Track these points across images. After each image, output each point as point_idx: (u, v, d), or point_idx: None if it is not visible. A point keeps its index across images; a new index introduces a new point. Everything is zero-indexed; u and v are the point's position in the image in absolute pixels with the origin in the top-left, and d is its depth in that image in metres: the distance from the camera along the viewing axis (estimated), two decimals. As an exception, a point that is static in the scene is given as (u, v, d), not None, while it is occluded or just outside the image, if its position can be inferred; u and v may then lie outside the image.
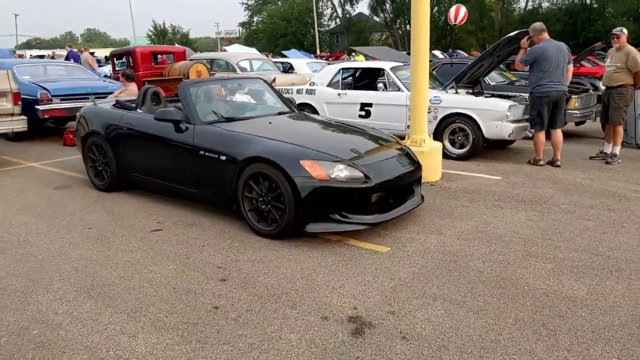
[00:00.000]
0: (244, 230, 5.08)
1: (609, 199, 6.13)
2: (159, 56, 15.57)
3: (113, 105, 6.88)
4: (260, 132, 5.29)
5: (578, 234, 4.97)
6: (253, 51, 29.27)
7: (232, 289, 3.86)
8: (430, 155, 6.95)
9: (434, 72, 10.64)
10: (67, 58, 19.88)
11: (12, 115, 8.50)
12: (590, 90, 10.50)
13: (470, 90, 9.14)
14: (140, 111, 6.46)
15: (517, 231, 5.08)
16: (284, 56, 28.97)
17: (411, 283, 3.95)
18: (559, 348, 3.06)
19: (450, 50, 26.41)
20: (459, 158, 8.30)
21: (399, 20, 59.00)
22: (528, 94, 7.99)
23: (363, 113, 9.30)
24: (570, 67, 7.80)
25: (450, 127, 8.39)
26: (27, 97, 9.71)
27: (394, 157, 5.39)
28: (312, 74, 13.10)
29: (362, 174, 4.78)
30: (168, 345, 3.12)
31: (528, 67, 7.79)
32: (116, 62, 17.08)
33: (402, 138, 7.11)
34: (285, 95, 7.52)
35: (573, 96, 9.50)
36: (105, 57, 26.29)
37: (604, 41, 14.63)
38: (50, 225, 5.41)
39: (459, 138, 8.38)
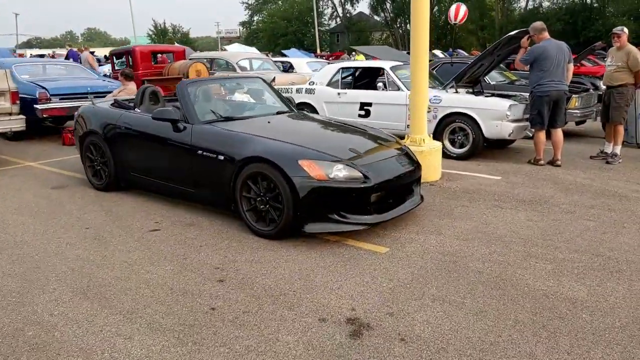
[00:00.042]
0: (242, 231, 5.05)
1: (609, 199, 6.10)
2: (159, 55, 15.53)
3: (111, 104, 6.85)
4: (258, 132, 5.25)
5: (578, 234, 4.94)
6: (253, 50, 29.25)
7: (229, 290, 3.83)
8: (430, 154, 6.92)
9: (434, 72, 10.60)
10: (67, 57, 19.86)
11: (10, 114, 8.47)
12: (591, 90, 10.48)
13: (470, 90, 9.11)
14: (138, 110, 6.43)
15: (517, 231, 5.04)
16: (284, 55, 28.92)
17: (410, 284, 3.92)
18: (559, 350, 3.03)
19: (451, 50, 26.38)
20: (459, 158, 8.27)
21: (399, 20, 58.97)
22: (528, 94, 7.96)
23: (363, 112, 9.27)
24: (571, 67, 7.77)
25: (450, 126, 8.36)
26: (26, 96, 9.69)
27: (393, 156, 5.36)
28: (312, 74, 13.07)
29: (361, 174, 4.75)
30: (164, 347, 3.09)
31: (528, 66, 7.77)
32: (116, 61, 17.04)
33: (402, 137, 7.08)
34: (285, 95, 7.49)
35: (573, 95, 9.47)
36: (105, 56, 26.25)
37: (605, 40, 14.61)
38: (48, 225, 5.38)
39: (459, 137, 8.34)
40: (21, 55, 29.67)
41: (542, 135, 7.78)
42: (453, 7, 17.06)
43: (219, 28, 65.82)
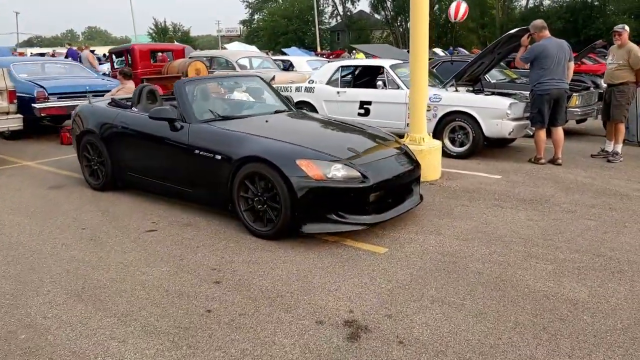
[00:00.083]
0: (240, 231, 5.00)
1: (610, 198, 6.05)
2: (160, 54, 15.49)
3: (108, 103, 6.80)
4: (256, 131, 5.20)
5: (579, 234, 4.89)
6: (253, 49, 29.18)
7: (225, 292, 3.78)
8: (430, 153, 6.87)
9: (434, 70, 10.54)
10: (66, 56, 19.82)
11: (8, 113, 8.42)
12: (591, 88, 10.42)
13: (471, 88, 9.05)
14: (135, 110, 6.38)
15: (517, 231, 4.99)
16: (284, 54, 28.86)
17: (409, 285, 3.87)
18: (559, 353, 2.98)
19: (451, 48, 26.31)
20: (459, 156, 8.21)
21: (399, 18, 58.85)
22: (529, 92, 7.90)
23: (362, 111, 9.21)
24: (571, 65, 7.72)
25: (450, 125, 8.30)
26: (24, 95, 9.64)
27: (392, 156, 5.30)
28: (312, 72, 13.01)
29: (359, 174, 4.70)
30: (158, 351, 3.04)
31: (529, 64, 7.72)
32: (115, 59, 17.00)
33: (402, 136, 7.03)
34: (284, 93, 7.44)
35: (574, 94, 9.42)
36: (104, 55, 26.21)
37: (605, 39, 14.51)
38: (44, 225, 5.33)
39: (459, 136, 8.29)
40: (22, 54, 29.64)
41: (542, 133, 7.73)
42: (453, 5, 16.96)
43: (220, 26, 65.87)
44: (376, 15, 63.28)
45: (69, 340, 3.16)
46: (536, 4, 50.43)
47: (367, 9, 64.19)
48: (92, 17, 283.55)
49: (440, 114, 8.32)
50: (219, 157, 5.07)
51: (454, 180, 6.92)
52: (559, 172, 7.27)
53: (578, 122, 10.42)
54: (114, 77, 12.68)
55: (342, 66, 10.15)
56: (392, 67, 9.21)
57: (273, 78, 11.50)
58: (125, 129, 6.11)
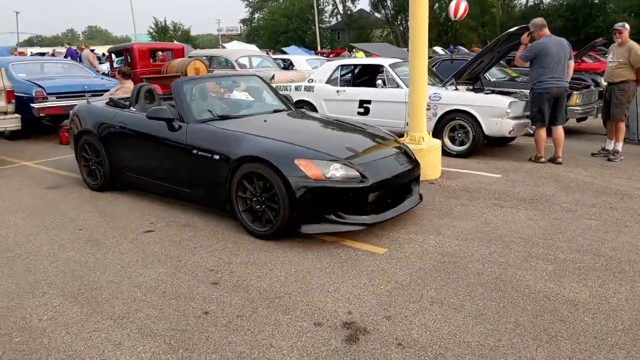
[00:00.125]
0: (238, 231, 4.97)
1: (611, 197, 6.01)
2: (160, 53, 15.46)
3: (106, 103, 6.77)
4: (254, 131, 5.17)
5: (580, 234, 4.85)
6: (252, 48, 29.13)
7: (223, 293, 3.75)
8: (430, 153, 6.83)
9: (434, 69, 10.50)
10: (65, 56, 19.78)
11: (6, 113, 8.39)
12: (592, 86, 10.37)
13: (471, 87, 9.01)
14: (133, 109, 6.35)
15: (517, 231, 4.96)
16: (284, 53, 28.82)
17: (408, 286, 3.83)
18: (560, 355, 2.94)
19: (452, 46, 26.28)
20: (459, 155, 8.18)
21: (400, 17, 58.80)
22: (529, 91, 7.87)
23: (362, 110, 9.17)
24: (571, 63, 7.68)
25: (450, 124, 8.27)
26: (22, 95, 9.62)
27: (391, 155, 5.27)
28: (312, 71, 12.97)
29: (358, 173, 4.66)
30: (154, 354, 3.00)
31: (528, 63, 7.68)
32: (114, 59, 16.98)
33: (402, 135, 7.00)
34: (283, 93, 7.40)
35: (574, 92, 9.38)
36: (103, 54, 26.20)
37: (605, 37, 14.46)
38: (41, 226, 5.30)
39: (459, 135, 8.25)
40: (22, 54, 29.61)
41: (542, 132, 7.69)
42: (453, 3, 16.88)
43: (220, 25, 65.83)
44: (376, 14, 63.28)
45: (64, 343, 3.12)
46: (536, 2, 50.40)
47: (367, 8, 64.26)
48: (92, 17, 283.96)
49: (440, 113, 8.28)
50: (217, 157, 5.04)
51: (453, 179, 6.88)
52: (559, 171, 7.24)
53: (578, 120, 10.39)
54: (113, 76, 12.66)
55: (341, 65, 10.10)
56: (392, 66, 9.17)
57: (273, 77, 11.47)
58: (123, 129, 6.07)
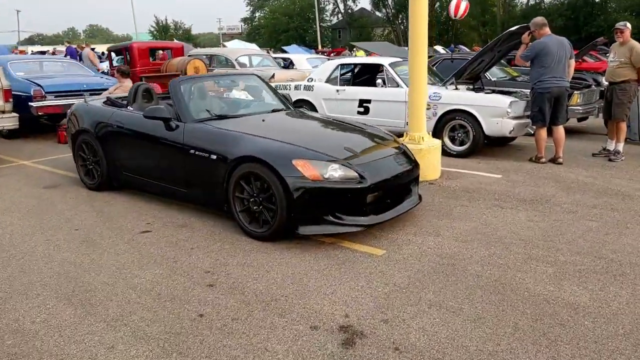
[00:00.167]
0: (235, 232, 4.92)
1: (612, 198, 5.96)
2: (160, 52, 15.42)
3: (104, 102, 6.72)
4: (252, 130, 5.12)
5: (580, 235, 4.80)
6: (253, 47, 29.08)
7: (219, 295, 3.70)
8: (429, 153, 6.78)
9: (434, 68, 10.45)
10: (65, 54, 19.74)
11: (3, 112, 8.35)
12: (593, 86, 10.31)
13: (471, 86, 8.96)
14: (130, 108, 6.30)
15: (517, 232, 4.91)
16: (285, 52, 28.77)
17: (406, 289, 3.78)
18: (560, 360, 2.90)
19: (452, 46, 26.21)
20: (459, 155, 8.13)
21: (400, 16, 58.72)
22: (529, 90, 7.81)
23: (362, 109, 9.12)
24: (572, 63, 7.63)
25: (450, 123, 8.21)
26: (21, 93, 9.57)
27: (390, 155, 5.22)
28: (312, 70, 12.93)
29: (356, 174, 4.61)
30: (147, 357, 2.95)
31: (529, 62, 7.63)
32: (114, 57, 16.94)
33: (401, 135, 6.95)
34: (283, 92, 7.35)
35: (575, 92, 9.33)
36: (103, 52, 26.15)
37: (607, 36, 14.41)
38: (37, 226, 5.25)
39: (459, 135, 8.20)
40: (22, 52, 29.58)
41: (543, 132, 7.64)
42: (453, 2, 16.77)
43: (221, 24, 65.77)
44: (377, 13, 63.21)
45: (56, 347, 3.08)
46: (537, 1, 50.33)
47: (368, 7, 64.19)
48: (93, 16, 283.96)
49: (440, 113, 8.23)
50: (214, 157, 4.99)
51: (453, 179, 6.83)
52: (559, 172, 7.19)
53: (579, 120, 10.33)
54: (113, 75, 12.61)
55: (341, 64, 10.05)
56: (392, 65, 9.11)
57: (272, 76, 11.43)
58: (120, 128, 6.03)
